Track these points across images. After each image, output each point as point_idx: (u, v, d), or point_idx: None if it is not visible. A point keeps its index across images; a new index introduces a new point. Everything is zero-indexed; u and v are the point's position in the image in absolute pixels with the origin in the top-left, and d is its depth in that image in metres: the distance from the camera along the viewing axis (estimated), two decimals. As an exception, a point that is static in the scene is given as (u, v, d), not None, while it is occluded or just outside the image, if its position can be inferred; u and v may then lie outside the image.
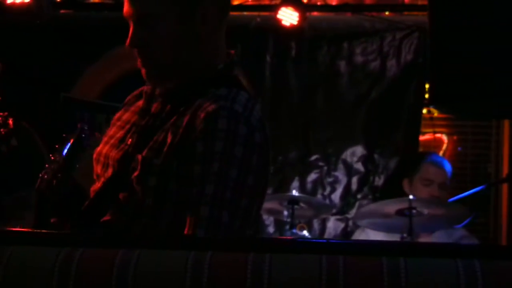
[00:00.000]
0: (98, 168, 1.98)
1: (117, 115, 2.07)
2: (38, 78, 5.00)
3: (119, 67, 4.95)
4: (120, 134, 1.98)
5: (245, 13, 5.37)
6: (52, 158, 1.95)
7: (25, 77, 4.98)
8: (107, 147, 1.98)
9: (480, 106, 2.07)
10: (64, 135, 1.97)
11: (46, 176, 1.93)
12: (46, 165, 1.94)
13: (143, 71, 1.96)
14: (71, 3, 5.39)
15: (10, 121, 2.09)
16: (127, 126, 1.98)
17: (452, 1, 1.99)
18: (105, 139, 2.02)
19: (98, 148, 2.00)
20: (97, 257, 1.29)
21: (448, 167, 4.34)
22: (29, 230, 1.44)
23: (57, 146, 1.96)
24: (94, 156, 2.00)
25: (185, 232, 1.76)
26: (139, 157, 1.86)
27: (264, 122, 1.92)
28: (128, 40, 1.94)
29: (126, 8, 1.94)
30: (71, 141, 1.95)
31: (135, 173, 1.85)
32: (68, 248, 1.30)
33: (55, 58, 5.09)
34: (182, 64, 1.95)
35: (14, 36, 5.08)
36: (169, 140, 1.85)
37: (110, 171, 1.93)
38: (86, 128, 1.96)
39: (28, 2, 4.81)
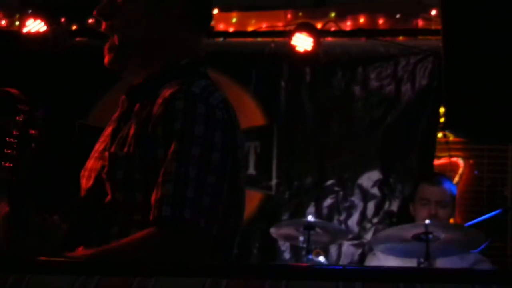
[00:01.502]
0: (83, 183, 1.99)
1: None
2: (54, 105, 5.02)
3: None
4: (102, 146, 1.99)
5: (259, 39, 5.39)
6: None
7: (41, 105, 5.01)
8: (91, 162, 1.99)
9: (495, 129, 2.06)
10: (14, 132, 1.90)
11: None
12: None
13: (107, 58, 2.03)
14: (87, 31, 5.43)
15: None
16: (108, 139, 1.99)
17: (465, 25, 2.00)
18: (91, 154, 2.03)
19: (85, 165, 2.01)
20: (113, 285, 1.29)
21: (447, 185, 4.32)
22: (46, 258, 1.43)
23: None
24: (81, 174, 2.00)
25: (151, 213, 1.73)
26: (106, 153, 1.88)
27: (229, 104, 1.88)
28: (96, 9, 1.97)
29: None
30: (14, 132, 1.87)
31: (105, 170, 1.86)
32: (84, 276, 1.30)
33: (70, 85, 5.13)
34: (146, 49, 1.97)
35: (31, 65, 5.13)
36: (131, 131, 1.86)
37: (90, 182, 1.94)
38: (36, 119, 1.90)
39: (44, 31, 4.86)
